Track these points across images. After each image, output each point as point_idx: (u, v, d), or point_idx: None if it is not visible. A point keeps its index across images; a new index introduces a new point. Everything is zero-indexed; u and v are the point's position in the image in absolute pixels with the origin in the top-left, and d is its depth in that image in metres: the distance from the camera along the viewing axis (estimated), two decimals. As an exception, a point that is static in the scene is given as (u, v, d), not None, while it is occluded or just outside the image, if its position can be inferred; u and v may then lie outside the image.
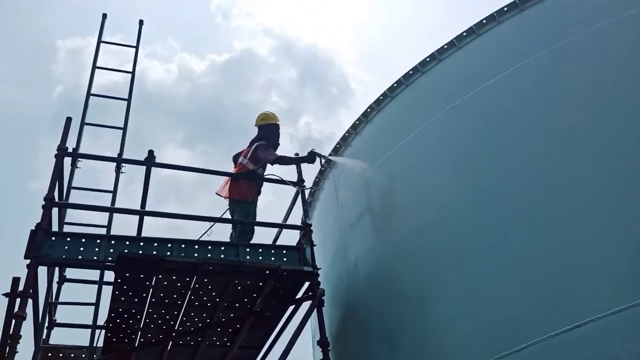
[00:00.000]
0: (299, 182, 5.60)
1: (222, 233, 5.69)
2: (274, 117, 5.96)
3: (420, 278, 4.43)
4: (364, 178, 5.52)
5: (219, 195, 5.79)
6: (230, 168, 5.93)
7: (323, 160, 5.58)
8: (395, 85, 5.71)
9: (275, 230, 5.91)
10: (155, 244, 4.55)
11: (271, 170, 5.77)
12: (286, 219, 5.98)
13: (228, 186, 5.76)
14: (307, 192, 5.99)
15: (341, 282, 5.73)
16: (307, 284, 5.03)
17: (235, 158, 6.03)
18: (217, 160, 26.61)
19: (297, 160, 5.57)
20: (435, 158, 4.86)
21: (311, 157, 5.49)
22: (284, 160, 5.54)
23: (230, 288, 4.82)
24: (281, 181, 5.63)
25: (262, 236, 5.90)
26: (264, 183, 5.71)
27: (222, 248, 4.73)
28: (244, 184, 5.62)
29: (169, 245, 4.58)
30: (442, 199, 4.57)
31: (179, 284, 4.67)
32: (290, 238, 6.04)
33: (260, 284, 4.88)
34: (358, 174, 5.34)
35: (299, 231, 5.60)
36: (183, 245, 4.62)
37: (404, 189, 5.10)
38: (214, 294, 4.88)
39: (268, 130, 5.87)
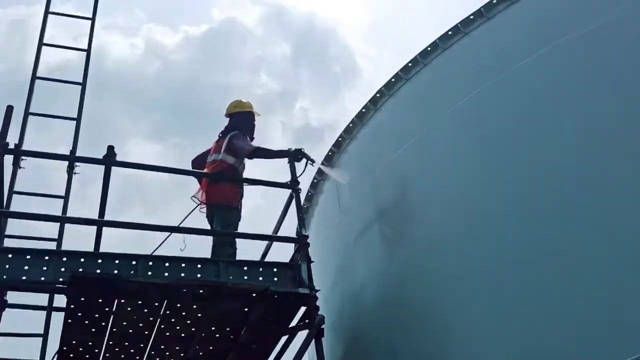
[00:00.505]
0: (292, 184, 5.51)
1: (201, 247, 5.49)
2: (248, 105, 6.07)
3: (439, 304, 4.40)
4: (373, 178, 5.64)
5: (195, 200, 5.76)
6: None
7: (310, 164, 5.56)
8: (410, 64, 5.72)
9: (264, 243, 5.93)
10: (117, 261, 4.51)
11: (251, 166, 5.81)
12: (277, 229, 5.93)
13: (205, 189, 5.75)
14: (302, 195, 6.00)
15: (344, 308, 5.74)
16: (303, 309, 4.96)
17: (198, 160, 6.07)
18: (192, 156, 25.20)
19: (278, 154, 5.59)
20: (458, 155, 4.79)
21: (296, 154, 5.47)
22: (262, 153, 5.60)
23: (209, 315, 4.75)
24: (269, 183, 5.63)
25: (247, 251, 5.88)
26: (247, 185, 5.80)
27: (199, 266, 4.68)
28: (227, 185, 5.62)
29: (134, 262, 4.54)
30: (468, 204, 4.48)
31: (146, 311, 4.58)
32: (282, 253, 6.02)
33: (246, 309, 4.80)
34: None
35: (292, 244, 5.59)
36: (151, 263, 4.58)
37: (420, 192, 5.08)
38: (189, 322, 4.81)
39: (241, 120, 5.97)
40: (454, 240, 4.44)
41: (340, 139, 6.48)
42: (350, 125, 6.33)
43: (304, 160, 5.48)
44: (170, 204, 22.85)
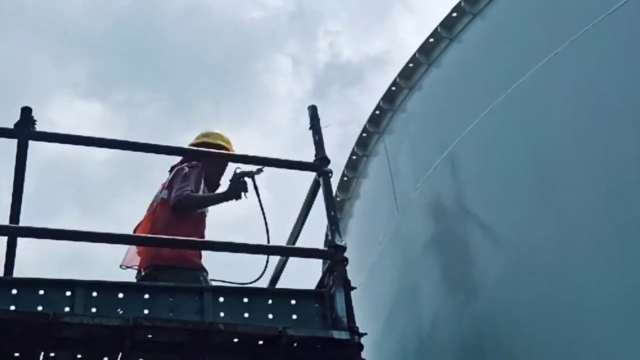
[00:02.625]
0: (319, 164, 5.65)
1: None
2: (220, 137, 6.52)
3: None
4: (452, 154, 5.79)
5: (126, 268, 5.94)
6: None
7: (253, 185, 5.99)
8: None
9: (275, 260, 6.09)
10: (43, 292, 4.59)
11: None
12: (295, 237, 6.15)
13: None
14: (334, 182, 6.18)
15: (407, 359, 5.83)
16: None
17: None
18: (151, 119, 25.52)
19: (213, 199, 6.14)
20: (575, 119, 4.99)
21: (235, 184, 5.95)
22: (192, 202, 6.01)
23: None
24: (282, 163, 5.94)
25: (247, 274, 5.87)
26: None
27: (171, 299, 4.78)
28: (179, 232, 5.70)
29: (69, 293, 4.63)
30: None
31: None
32: (303, 274, 6.24)
33: None
34: None
35: (321, 261, 5.70)
36: (96, 293, 4.68)
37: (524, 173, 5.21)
38: None
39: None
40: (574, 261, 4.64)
41: (393, 88, 6.60)
42: (411, 65, 6.45)
43: (248, 182, 5.89)
44: (118, 196, 23.21)
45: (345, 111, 24.56)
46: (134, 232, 6.16)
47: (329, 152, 5.69)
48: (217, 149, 6.34)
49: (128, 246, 6.02)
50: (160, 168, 6.02)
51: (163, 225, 5.87)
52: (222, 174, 6.43)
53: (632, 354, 4.11)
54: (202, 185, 6.13)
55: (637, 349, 4.09)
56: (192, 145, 6.48)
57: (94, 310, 4.57)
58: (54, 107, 22.67)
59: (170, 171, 6.29)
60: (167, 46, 24.07)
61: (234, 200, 5.94)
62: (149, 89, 25.05)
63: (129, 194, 23.39)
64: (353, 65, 25.07)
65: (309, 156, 5.73)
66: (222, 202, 6.04)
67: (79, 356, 4.57)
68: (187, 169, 6.10)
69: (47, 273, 4.76)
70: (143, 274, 5.81)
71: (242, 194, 5.91)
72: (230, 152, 6.29)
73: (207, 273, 5.91)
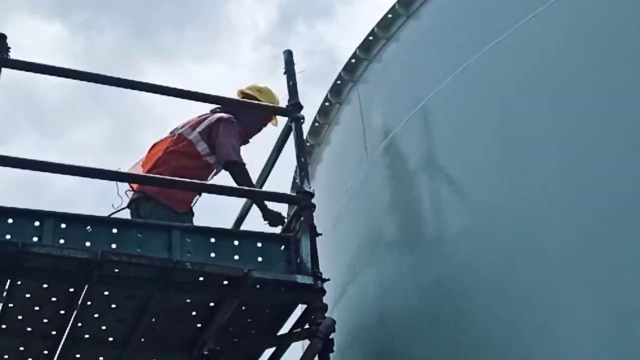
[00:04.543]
0: (292, 109, 5.71)
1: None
2: (271, 96, 6.51)
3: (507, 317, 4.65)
4: (426, 107, 5.77)
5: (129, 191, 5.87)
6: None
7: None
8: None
9: (240, 202, 6.14)
10: (11, 221, 4.60)
11: None
12: (263, 179, 6.23)
13: (143, 168, 6.04)
14: (305, 127, 6.10)
15: (367, 310, 5.88)
16: (301, 307, 5.14)
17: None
18: (110, 44, 24.93)
19: (257, 196, 6.04)
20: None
21: (277, 219, 5.96)
22: (241, 176, 5.94)
23: (153, 310, 4.86)
24: (255, 105, 6.16)
25: (211, 214, 5.93)
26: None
27: (139, 235, 4.81)
28: (180, 174, 5.70)
29: (37, 223, 4.64)
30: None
31: (54, 299, 4.73)
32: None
33: (212, 305, 4.96)
34: None
35: (286, 206, 5.89)
36: (64, 225, 4.70)
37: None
38: (122, 320, 4.97)
39: (248, 112, 6.37)
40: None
41: (371, 37, 6.56)
42: (390, 16, 6.42)
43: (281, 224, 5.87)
44: (77, 121, 22.90)
45: (310, 42, 24.69)
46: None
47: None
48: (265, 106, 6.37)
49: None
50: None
51: (177, 166, 5.83)
52: (257, 132, 6.48)
53: (587, 309, 4.19)
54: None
55: (591, 305, 4.18)
56: (242, 92, 6.51)
57: (62, 241, 4.61)
58: (13, 26, 22.18)
59: (204, 116, 6.24)
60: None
61: (269, 220, 5.89)
62: (109, 8, 24.57)
63: (88, 118, 23.28)
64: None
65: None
66: (260, 207, 5.95)
67: (45, 286, 4.60)
68: (233, 123, 6.10)
69: (12, 201, 4.76)
70: (133, 198, 5.85)
71: (275, 226, 5.87)
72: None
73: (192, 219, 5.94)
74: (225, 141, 5.97)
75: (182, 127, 6.15)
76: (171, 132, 6.18)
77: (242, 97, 6.45)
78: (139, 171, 6.01)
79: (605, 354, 4.05)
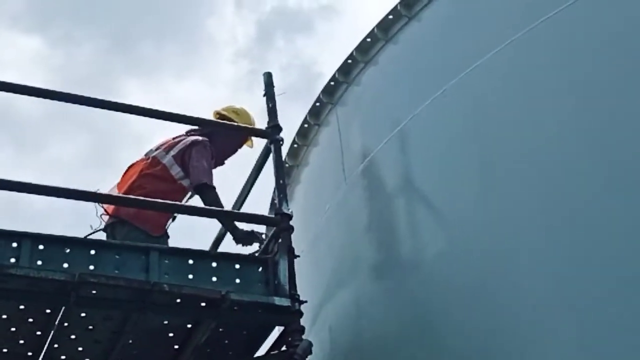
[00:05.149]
0: (271, 131, 5.74)
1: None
2: (247, 117, 6.50)
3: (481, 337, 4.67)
4: (404, 130, 5.80)
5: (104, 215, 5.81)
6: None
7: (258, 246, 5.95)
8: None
9: (215, 224, 6.22)
10: None
11: None
12: (241, 202, 6.33)
13: (118, 191, 5.98)
14: (284, 148, 6.13)
15: (343, 331, 5.86)
16: (279, 329, 5.15)
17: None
18: (89, 57, 24.92)
19: (227, 219, 6.00)
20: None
21: (248, 238, 5.90)
22: (210, 197, 5.88)
23: (131, 332, 4.87)
24: (234, 127, 6.12)
25: (186, 237, 5.93)
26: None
27: (117, 256, 4.80)
28: (156, 197, 5.63)
29: (15, 244, 4.63)
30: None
31: (31, 320, 4.72)
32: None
33: (189, 326, 4.96)
34: None
35: (264, 227, 5.83)
36: (42, 246, 4.67)
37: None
38: (99, 341, 4.96)
39: (224, 133, 6.35)
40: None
41: (349, 61, 6.61)
42: (369, 40, 6.45)
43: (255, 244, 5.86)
44: (54, 137, 22.75)
45: (289, 57, 24.85)
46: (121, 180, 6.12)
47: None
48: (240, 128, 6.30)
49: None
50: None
51: (152, 190, 5.78)
52: (233, 153, 6.48)
53: (564, 329, 4.20)
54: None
55: (567, 324, 4.18)
56: (218, 113, 6.48)
57: (39, 263, 4.57)
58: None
59: (178, 138, 6.23)
60: (109, -19, 23.62)
61: (240, 241, 5.85)
62: (89, 23, 24.54)
63: (66, 134, 23.19)
64: (300, 11, 25.20)
65: (248, 103, 5.63)
66: (229, 229, 5.94)
67: (21, 307, 4.58)
68: (206, 146, 6.07)
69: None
70: (108, 222, 5.80)
71: (248, 245, 5.85)
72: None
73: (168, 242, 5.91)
74: (197, 164, 5.95)
75: (156, 150, 6.12)
76: (146, 154, 6.16)
77: (218, 118, 6.44)
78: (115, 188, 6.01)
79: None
